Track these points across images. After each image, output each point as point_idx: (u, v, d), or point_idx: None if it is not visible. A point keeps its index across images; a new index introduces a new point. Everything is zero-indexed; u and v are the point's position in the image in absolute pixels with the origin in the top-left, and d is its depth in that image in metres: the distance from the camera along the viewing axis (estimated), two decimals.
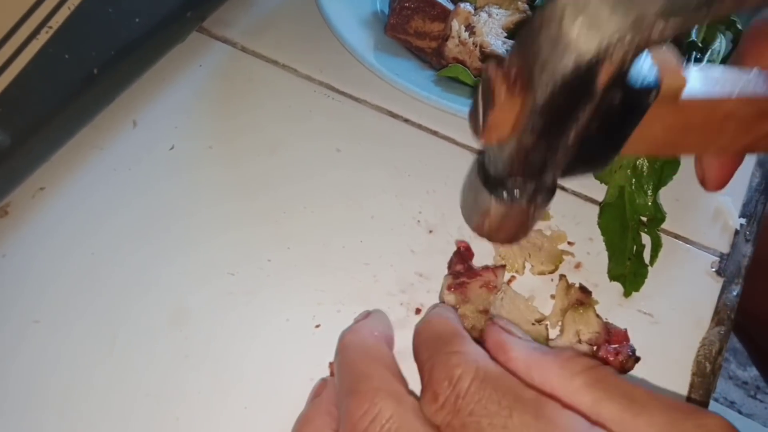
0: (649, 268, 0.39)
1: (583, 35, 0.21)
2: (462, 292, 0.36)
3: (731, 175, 0.36)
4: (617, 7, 0.21)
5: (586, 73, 0.22)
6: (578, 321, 0.36)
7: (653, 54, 0.26)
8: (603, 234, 0.41)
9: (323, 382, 0.34)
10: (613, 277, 0.39)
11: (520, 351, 0.29)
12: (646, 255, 0.40)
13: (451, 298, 0.36)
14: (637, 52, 0.22)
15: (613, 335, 0.36)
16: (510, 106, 0.23)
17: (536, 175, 0.26)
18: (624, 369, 0.35)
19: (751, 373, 1.25)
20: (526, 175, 0.26)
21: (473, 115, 0.25)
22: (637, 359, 0.35)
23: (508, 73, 0.23)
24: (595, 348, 0.35)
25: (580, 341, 0.35)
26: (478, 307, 0.36)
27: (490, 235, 0.31)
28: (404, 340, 0.36)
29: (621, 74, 0.22)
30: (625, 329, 0.36)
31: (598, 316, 0.36)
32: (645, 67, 0.24)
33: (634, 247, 0.40)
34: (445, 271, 0.39)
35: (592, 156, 0.26)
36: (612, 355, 0.35)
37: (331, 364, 0.35)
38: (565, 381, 0.26)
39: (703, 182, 0.37)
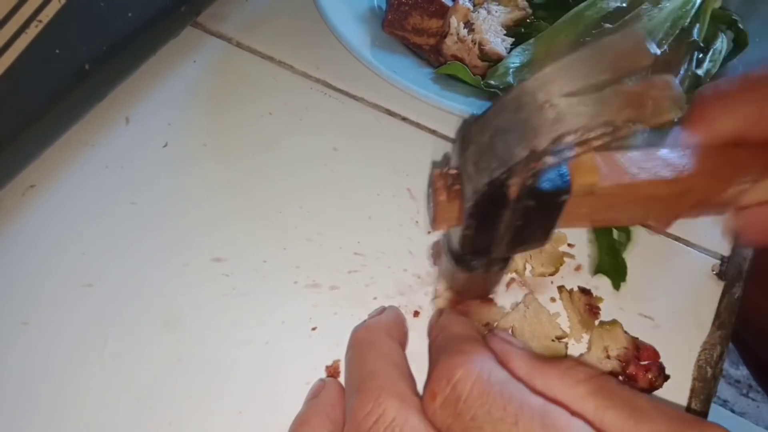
0: (626, 260, 0.40)
1: (489, 165, 0.25)
2: (462, 306, 0.36)
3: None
4: (510, 144, 0.25)
5: (498, 188, 0.26)
6: (605, 337, 0.35)
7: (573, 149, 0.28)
8: (592, 231, 0.41)
9: (321, 382, 0.33)
10: (596, 271, 0.39)
11: (522, 360, 0.28)
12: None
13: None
14: (536, 173, 0.25)
15: (642, 351, 0.35)
16: (449, 207, 0.28)
17: (485, 254, 0.30)
18: (653, 386, 0.34)
19: (744, 371, 1.25)
20: (476, 254, 0.30)
21: (428, 207, 0.30)
22: (667, 377, 0.35)
23: (447, 181, 0.28)
24: (624, 364, 0.35)
25: (608, 357, 0.35)
26: (481, 321, 0.36)
27: (460, 294, 0.36)
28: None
29: (530, 186, 0.26)
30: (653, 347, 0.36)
31: (625, 331, 0.36)
32: (554, 173, 0.27)
33: (609, 240, 0.40)
34: None
35: (530, 236, 0.29)
36: (642, 371, 0.34)
37: (327, 367, 0.35)
38: (567, 389, 0.26)
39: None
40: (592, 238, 0.40)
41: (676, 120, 0.25)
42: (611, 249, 0.40)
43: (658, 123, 0.24)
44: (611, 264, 0.39)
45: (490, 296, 0.37)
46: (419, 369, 0.33)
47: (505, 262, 0.32)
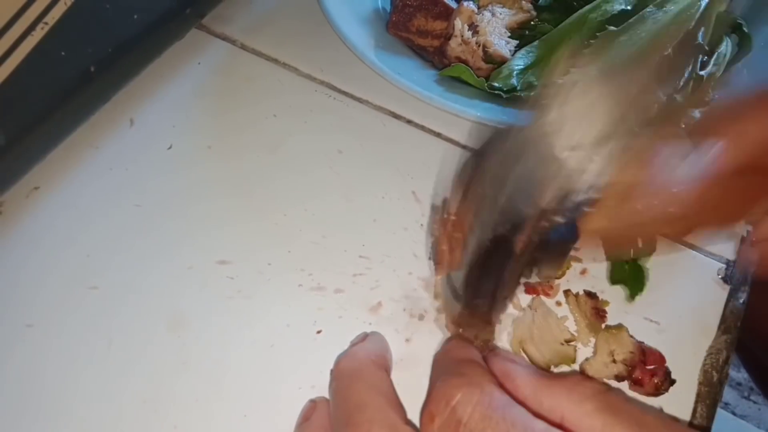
0: (650, 271, 0.39)
1: (492, 219, 0.25)
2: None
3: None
4: (514, 200, 0.24)
5: (502, 243, 0.25)
6: (611, 341, 0.35)
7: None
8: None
9: (312, 404, 0.33)
10: (614, 281, 0.39)
11: (527, 377, 0.28)
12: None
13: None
14: (543, 231, 0.25)
15: (648, 356, 0.35)
16: (451, 255, 0.28)
17: (489, 295, 0.29)
18: (659, 391, 0.34)
19: (745, 374, 1.25)
20: (480, 294, 0.29)
21: (431, 247, 0.31)
22: (673, 382, 0.35)
23: (448, 229, 0.28)
24: (630, 369, 0.35)
25: (614, 361, 0.35)
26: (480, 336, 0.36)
27: (462, 328, 0.35)
28: (407, 348, 0.36)
29: (536, 242, 0.25)
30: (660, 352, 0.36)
31: (631, 336, 0.36)
32: (569, 222, 0.26)
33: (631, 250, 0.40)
34: None
35: (538, 273, 0.29)
36: (648, 376, 0.34)
37: (332, 371, 0.35)
38: (575, 405, 0.26)
39: None
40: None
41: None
42: (634, 258, 0.39)
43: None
44: (631, 273, 0.39)
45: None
46: (423, 372, 0.33)
47: (508, 300, 0.32)
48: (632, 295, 0.38)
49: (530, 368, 0.29)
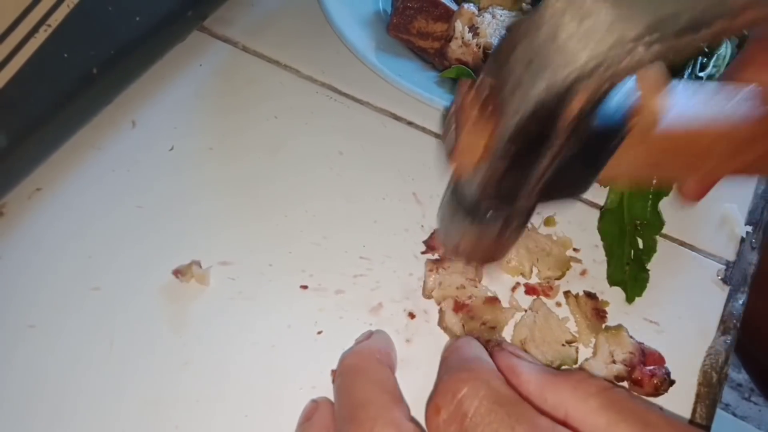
0: (650, 273, 0.39)
1: (551, 63, 0.20)
2: (467, 310, 0.36)
3: (709, 190, 0.35)
4: (588, 36, 0.20)
5: (558, 100, 0.21)
6: (611, 341, 0.35)
7: (634, 78, 0.24)
8: (602, 239, 0.40)
9: (314, 404, 0.33)
10: (613, 282, 0.39)
11: (532, 373, 0.28)
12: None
13: (453, 321, 0.36)
14: (611, 82, 0.21)
15: (647, 356, 0.35)
16: (481, 130, 0.22)
17: (510, 201, 0.25)
18: (658, 391, 0.35)
19: (746, 375, 1.25)
20: (500, 200, 0.25)
21: (445, 136, 0.24)
22: (672, 382, 0.35)
23: (480, 96, 0.22)
24: (629, 369, 0.35)
25: (614, 362, 0.35)
26: (486, 321, 0.36)
27: (466, 257, 0.31)
28: (407, 348, 0.36)
29: (594, 104, 0.21)
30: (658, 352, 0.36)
31: (631, 336, 0.36)
32: (621, 97, 0.23)
33: (632, 251, 0.39)
34: None
35: (568, 183, 0.25)
36: (647, 376, 0.34)
37: (333, 371, 0.35)
38: (579, 402, 0.26)
39: (680, 193, 0.36)
40: (604, 245, 0.40)
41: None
42: (635, 259, 0.39)
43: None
44: (632, 275, 0.39)
45: (491, 295, 0.37)
46: (423, 373, 0.34)
47: (527, 217, 0.27)
48: (630, 299, 0.38)
49: (536, 364, 0.29)
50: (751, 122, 0.26)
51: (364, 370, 0.31)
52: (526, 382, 0.28)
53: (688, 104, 0.25)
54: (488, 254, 0.30)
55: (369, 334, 0.35)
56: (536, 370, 0.28)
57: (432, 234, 0.40)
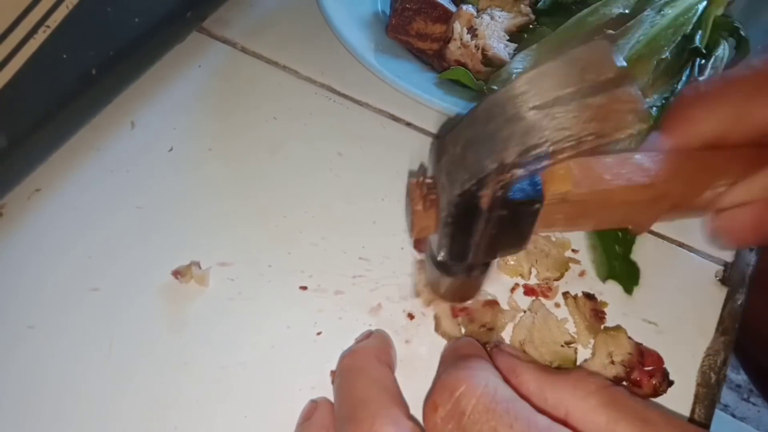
0: (638, 264, 0.39)
1: (461, 176, 0.26)
2: (466, 313, 0.36)
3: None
4: (480, 156, 0.25)
5: (470, 199, 0.26)
6: (610, 342, 0.35)
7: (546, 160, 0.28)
8: (592, 236, 0.41)
9: (313, 404, 0.33)
10: (607, 277, 0.39)
11: (532, 373, 0.28)
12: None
13: (451, 326, 0.36)
14: (506, 185, 0.26)
15: (646, 357, 0.35)
16: (426, 216, 0.29)
17: (463, 258, 0.30)
18: (657, 392, 0.35)
19: (744, 376, 1.25)
20: (454, 258, 0.30)
21: (407, 213, 0.30)
22: (671, 383, 0.35)
23: (423, 191, 0.29)
24: (628, 370, 0.35)
25: (612, 362, 0.35)
26: (485, 323, 0.36)
27: (444, 299, 0.36)
28: (406, 349, 0.36)
29: (500, 197, 0.26)
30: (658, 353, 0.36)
31: (629, 337, 0.36)
32: (530, 180, 0.27)
33: (617, 247, 0.40)
34: None
35: (509, 240, 0.30)
36: (646, 377, 0.34)
37: (332, 372, 0.35)
38: (579, 401, 0.26)
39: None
40: (595, 244, 0.40)
41: (650, 125, 0.25)
42: (621, 253, 0.39)
43: (622, 137, 0.24)
44: (622, 268, 0.39)
45: (490, 299, 0.38)
46: (423, 374, 0.34)
47: (485, 266, 0.32)
48: (629, 290, 0.38)
49: (535, 364, 0.29)
50: (647, 185, 0.29)
51: (363, 369, 0.31)
52: (526, 382, 0.28)
53: (591, 174, 0.29)
54: (462, 296, 0.36)
55: (368, 334, 0.36)
56: (535, 370, 0.28)
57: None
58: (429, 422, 0.27)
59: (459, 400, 0.26)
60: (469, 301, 0.37)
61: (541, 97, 0.25)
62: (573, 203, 0.29)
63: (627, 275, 0.39)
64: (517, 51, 0.49)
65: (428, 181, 0.29)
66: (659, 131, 0.31)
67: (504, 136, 0.25)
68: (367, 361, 0.32)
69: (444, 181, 0.27)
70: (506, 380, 0.28)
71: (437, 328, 0.37)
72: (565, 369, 0.32)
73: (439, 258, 0.31)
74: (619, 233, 0.40)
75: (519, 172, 0.25)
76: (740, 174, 0.30)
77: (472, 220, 0.27)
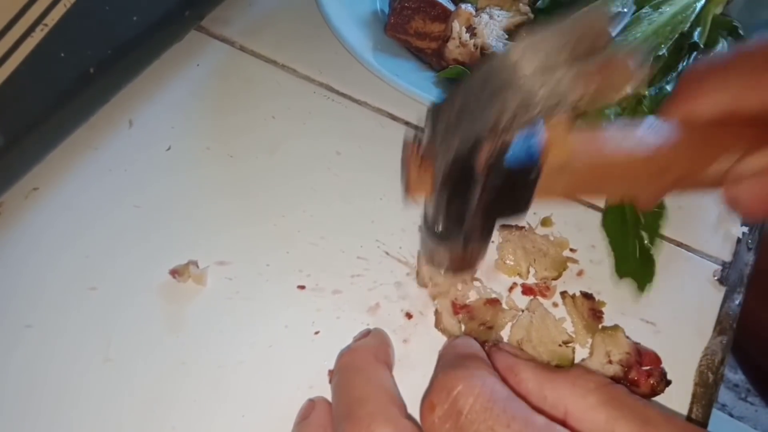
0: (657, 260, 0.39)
1: (455, 141, 0.26)
2: (467, 311, 0.36)
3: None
4: (474, 121, 0.26)
5: (465, 163, 0.26)
6: (608, 342, 0.35)
7: (542, 124, 0.28)
8: (607, 235, 0.41)
9: (311, 403, 0.33)
10: (622, 274, 0.39)
11: (530, 371, 0.28)
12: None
13: (452, 323, 0.36)
14: (499, 150, 0.26)
15: (644, 357, 0.35)
16: (421, 178, 0.29)
17: (459, 222, 0.30)
18: (654, 392, 0.34)
19: (742, 376, 1.25)
20: (451, 222, 0.30)
21: (402, 176, 0.30)
22: (669, 382, 0.35)
23: (418, 154, 0.29)
24: (626, 369, 0.35)
25: (610, 362, 0.35)
26: (485, 322, 0.36)
27: (442, 269, 0.35)
28: (404, 348, 0.36)
29: (500, 152, 0.26)
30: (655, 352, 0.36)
31: (627, 337, 0.36)
32: (526, 146, 0.27)
33: (636, 243, 0.40)
34: None
35: (506, 206, 0.29)
36: (644, 377, 0.34)
37: (330, 371, 0.35)
38: (578, 399, 0.26)
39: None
40: (603, 254, 0.40)
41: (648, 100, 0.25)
42: (640, 250, 0.39)
43: (615, 98, 0.25)
44: (639, 266, 0.39)
45: (494, 296, 0.37)
46: (420, 373, 0.34)
47: (484, 235, 0.32)
48: (641, 288, 0.38)
49: (534, 363, 0.29)
50: (657, 150, 0.29)
51: (361, 367, 0.31)
52: (525, 380, 0.28)
53: (592, 143, 0.29)
54: (459, 266, 0.35)
55: (366, 333, 0.35)
56: (534, 368, 0.28)
57: None
58: (426, 422, 0.27)
59: (456, 400, 0.26)
60: (471, 299, 0.37)
61: (536, 64, 0.25)
62: (572, 174, 0.28)
63: (642, 273, 0.39)
64: None
65: (424, 143, 0.29)
66: (665, 106, 0.30)
67: (497, 102, 0.25)
68: (366, 360, 0.32)
69: (439, 147, 0.27)
70: (504, 379, 0.28)
71: (437, 323, 0.37)
72: (565, 368, 0.32)
73: (437, 228, 0.30)
74: (639, 230, 0.40)
75: (512, 136, 0.25)
76: (747, 149, 0.30)
77: (467, 186, 0.27)
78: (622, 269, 0.39)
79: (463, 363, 0.28)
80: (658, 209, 0.40)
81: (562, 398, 0.26)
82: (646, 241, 0.40)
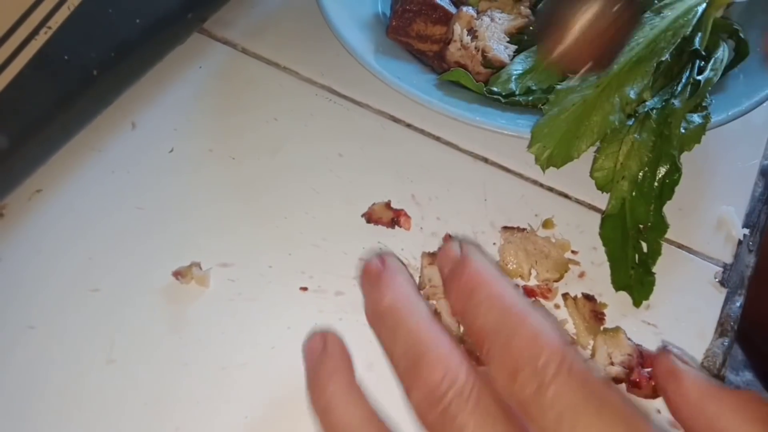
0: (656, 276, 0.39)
1: None
2: None
3: None
4: None
5: None
6: (609, 343, 0.36)
7: None
8: (605, 245, 0.40)
9: (320, 336, 0.30)
10: (619, 287, 0.39)
11: (696, 381, 0.26)
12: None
13: (450, 322, 0.36)
14: None
15: (646, 358, 0.35)
16: None
17: None
18: (656, 394, 0.34)
19: (744, 377, 1.25)
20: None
21: None
22: None
23: None
24: (628, 371, 0.35)
25: (612, 363, 0.35)
26: None
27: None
28: None
29: None
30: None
31: (629, 338, 0.36)
32: None
33: (636, 255, 0.39)
34: None
35: None
36: (645, 378, 0.35)
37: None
38: (739, 423, 0.24)
39: None
40: (604, 255, 0.40)
41: None
42: (640, 263, 0.39)
43: None
44: (637, 279, 0.38)
45: None
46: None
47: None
48: (637, 303, 0.38)
49: (700, 373, 0.27)
50: None
51: (410, 307, 0.28)
52: (687, 388, 0.26)
53: None
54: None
55: (381, 260, 0.31)
56: (701, 378, 0.26)
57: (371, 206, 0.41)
58: (501, 385, 0.25)
59: (540, 371, 0.24)
60: None
61: None
62: None
63: (640, 286, 0.38)
64: (516, 52, 0.49)
65: None
66: None
67: None
68: (409, 299, 0.29)
69: None
70: (663, 385, 0.27)
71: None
72: (731, 387, 0.31)
73: None
74: (639, 242, 0.39)
75: None
76: None
77: None
78: (619, 281, 0.39)
79: (529, 322, 0.25)
80: (662, 225, 0.40)
81: (722, 415, 0.25)
82: (644, 253, 0.39)
